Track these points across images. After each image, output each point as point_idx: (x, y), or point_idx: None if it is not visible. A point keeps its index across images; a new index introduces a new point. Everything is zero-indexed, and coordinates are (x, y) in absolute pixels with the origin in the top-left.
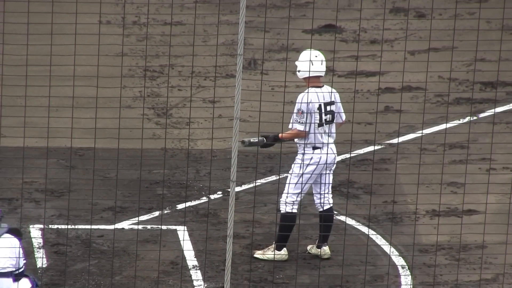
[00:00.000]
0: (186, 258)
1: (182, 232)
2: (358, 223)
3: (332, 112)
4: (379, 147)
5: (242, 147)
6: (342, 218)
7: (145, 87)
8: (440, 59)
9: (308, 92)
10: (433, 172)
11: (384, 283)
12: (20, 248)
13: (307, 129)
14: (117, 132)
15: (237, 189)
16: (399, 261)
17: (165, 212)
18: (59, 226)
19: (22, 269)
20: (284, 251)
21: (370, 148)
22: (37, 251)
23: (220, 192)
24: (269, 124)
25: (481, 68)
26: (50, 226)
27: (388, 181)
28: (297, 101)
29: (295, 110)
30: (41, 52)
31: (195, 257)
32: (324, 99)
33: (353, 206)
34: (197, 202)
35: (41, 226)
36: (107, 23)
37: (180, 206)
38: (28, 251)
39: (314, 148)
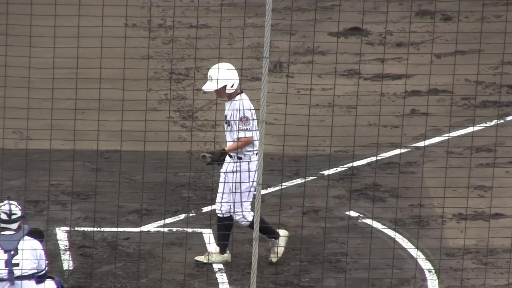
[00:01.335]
0: (212, 261)
1: (208, 235)
2: (384, 227)
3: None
4: (405, 150)
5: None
6: (368, 221)
7: (171, 89)
8: (467, 62)
9: (242, 99)
10: (459, 175)
11: (410, 287)
12: (42, 250)
13: (254, 136)
14: (142, 135)
15: (263, 192)
16: (425, 264)
17: (191, 214)
18: (85, 229)
19: (45, 271)
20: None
21: (396, 151)
22: (63, 253)
23: None
24: (294, 127)
25: (508, 71)
26: (76, 228)
27: (414, 184)
28: (239, 109)
29: (239, 119)
30: (67, 55)
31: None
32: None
33: (379, 209)
34: None
35: (67, 228)
36: (133, 26)
37: (206, 209)
38: (54, 253)
39: (256, 154)
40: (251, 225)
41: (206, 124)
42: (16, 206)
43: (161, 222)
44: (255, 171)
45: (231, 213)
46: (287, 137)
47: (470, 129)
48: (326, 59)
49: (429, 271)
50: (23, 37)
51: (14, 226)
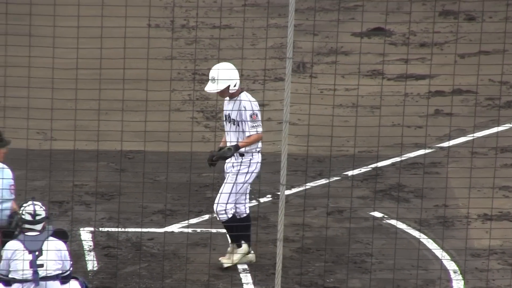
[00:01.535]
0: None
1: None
2: (408, 227)
3: None
4: (430, 150)
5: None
6: (393, 222)
7: (194, 90)
8: (491, 62)
9: (250, 100)
10: (484, 175)
11: None
12: (66, 251)
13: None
14: (166, 135)
15: (287, 192)
16: (450, 265)
17: (215, 215)
18: (110, 229)
19: (69, 271)
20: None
21: (421, 152)
22: (88, 254)
23: (269, 196)
24: (318, 127)
25: None
26: (100, 229)
27: (439, 185)
28: (246, 108)
29: (249, 117)
30: (91, 56)
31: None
32: None
33: (403, 210)
34: None
35: (92, 229)
36: (156, 26)
37: None
38: (79, 254)
39: (259, 152)
40: (227, 221)
41: None
42: (41, 207)
43: (185, 223)
44: (253, 171)
45: (247, 211)
46: (311, 138)
47: (494, 130)
48: (349, 59)
49: (454, 272)
50: (46, 38)
51: (39, 227)
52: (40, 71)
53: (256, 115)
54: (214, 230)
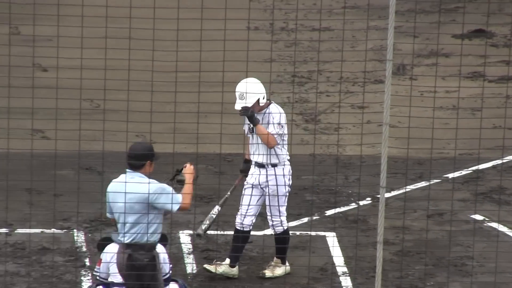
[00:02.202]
0: (336, 265)
1: (331, 238)
2: (510, 230)
3: None
4: None
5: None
6: (494, 224)
7: (293, 92)
8: None
9: (280, 112)
10: None
11: None
12: (165, 254)
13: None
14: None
15: (387, 195)
16: None
17: (314, 218)
18: (209, 232)
19: (168, 274)
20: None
21: None
22: (187, 257)
23: (369, 198)
24: (418, 129)
25: None
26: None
27: None
28: (274, 119)
29: (276, 125)
30: (190, 58)
31: (344, 264)
32: None
33: (505, 213)
34: (346, 208)
35: (191, 232)
36: (255, 29)
37: (329, 212)
38: (178, 257)
39: (289, 160)
40: (283, 233)
41: (329, 127)
42: None
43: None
44: (289, 175)
45: (251, 227)
46: (411, 140)
47: None
48: (450, 61)
49: None
50: (146, 40)
51: None
52: (140, 74)
53: (282, 127)
54: (313, 233)
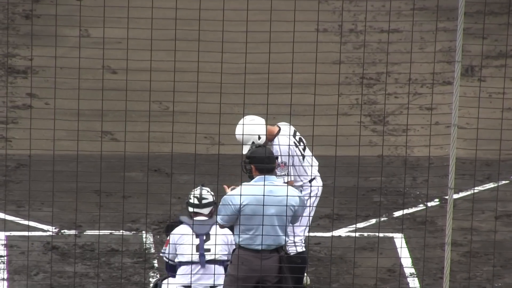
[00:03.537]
0: (403, 266)
1: (399, 240)
2: None
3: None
4: None
5: None
6: None
7: (362, 94)
8: None
9: (279, 145)
10: None
11: None
12: (232, 236)
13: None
14: (333, 140)
15: (455, 196)
16: None
17: (382, 219)
18: None
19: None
20: None
21: None
22: None
23: (437, 200)
24: (486, 130)
25: None
26: None
27: None
28: (277, 154)
29: (278, 166)
30: (259, 60)
31: (412, 265)
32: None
33: None
34: (414, 209)
35: None
36: (324, 31)
37: (397, 214)
38: None
39: (311, 182)
40: (295, 255)
41: (397, 129)
42: (208, 192)
43: (352, 227)
44: (315, 196)
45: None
46: (479, 141)
47: None
48: None
49: None
50: (215, 42)
51: (206, 211)
52: (208, 76)
53: (285, 164)
54: (381, 235)
